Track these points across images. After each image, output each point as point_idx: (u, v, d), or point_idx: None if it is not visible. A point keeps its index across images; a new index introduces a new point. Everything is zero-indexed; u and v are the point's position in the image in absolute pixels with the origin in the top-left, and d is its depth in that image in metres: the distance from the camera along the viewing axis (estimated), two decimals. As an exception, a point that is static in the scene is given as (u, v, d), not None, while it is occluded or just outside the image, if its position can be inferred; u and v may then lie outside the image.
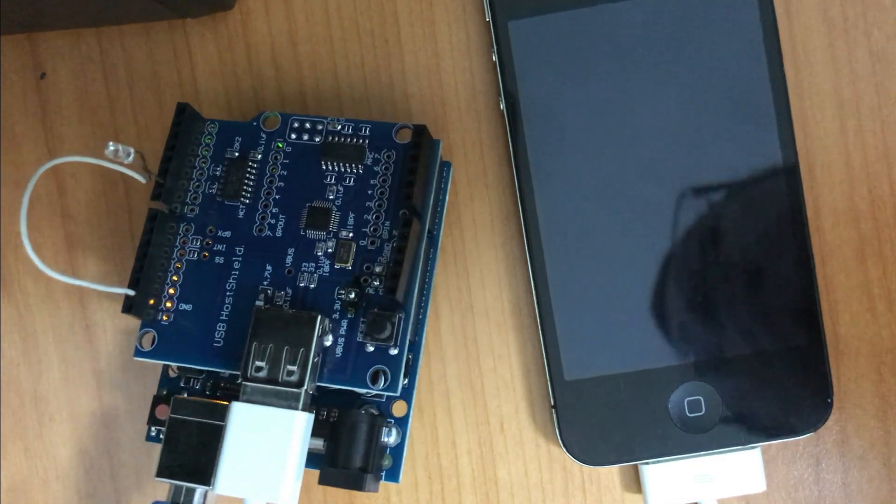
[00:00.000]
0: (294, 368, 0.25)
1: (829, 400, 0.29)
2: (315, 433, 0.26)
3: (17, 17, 0.29)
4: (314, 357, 0.25)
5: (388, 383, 0.26)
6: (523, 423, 0.30)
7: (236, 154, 0.28)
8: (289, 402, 0.25)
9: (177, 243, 0.28)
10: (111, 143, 0.25)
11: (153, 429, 0.28)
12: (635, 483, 0.30)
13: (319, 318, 0.26)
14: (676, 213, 0.29)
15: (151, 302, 0.27)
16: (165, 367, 0.29)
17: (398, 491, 0.30)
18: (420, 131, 0.27)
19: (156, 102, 0.31)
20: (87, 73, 0.31)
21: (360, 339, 0.26)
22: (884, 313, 0.30)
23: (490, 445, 0.30)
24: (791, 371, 0.29)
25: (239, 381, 0.25)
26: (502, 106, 0.29)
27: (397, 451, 0.28)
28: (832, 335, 0.30)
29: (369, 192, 0.28)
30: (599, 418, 0.29)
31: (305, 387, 0.25)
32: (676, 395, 0.29)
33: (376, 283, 0.27)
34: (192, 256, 0.28)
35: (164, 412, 0.27)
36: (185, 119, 0.28)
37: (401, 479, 0.28)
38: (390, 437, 0.28)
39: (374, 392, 0.26)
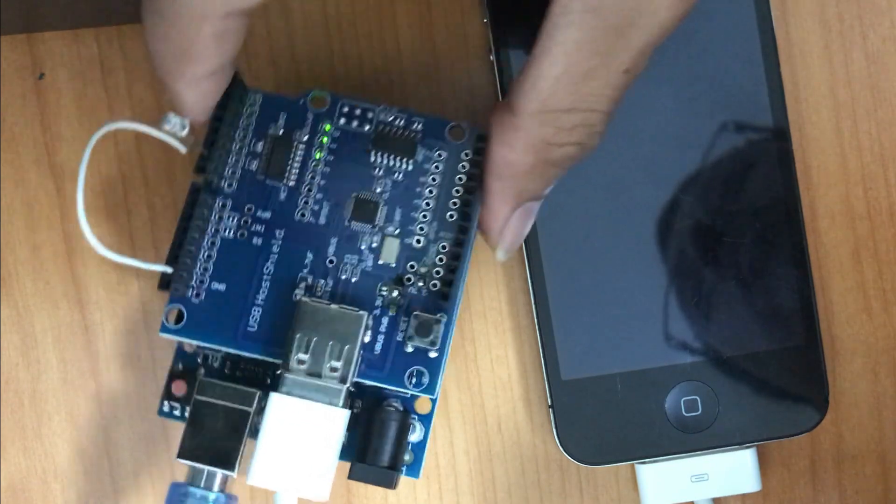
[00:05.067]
0: (338, 364, 0.25)
1: (825, 400, 0.29)
2: None
3: (16, 17, 0.29)
4: (358, 354, 0.25)
5: (426, 386, 0.26)
6: (521, 423, 0.30)
7: (280, 132, 0.27)
8: (330, 397, 0.25)
9: (212, 218, 0.27)
10: (171, 115, 0.25)
11: (167, 404, 0.27)
12: (632, 482, 0.30)
13: (366, 316, 0.25)
14: (673, 213, 0.29)
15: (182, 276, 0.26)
16: (181, 342, 0.28)
17: (396, 490, 0.30)
18: (482, 138, 0.26)
19: (154, 103, 0.31)
20: (85, 74, 0.31)
21: (400, 338, 0.26)
22: (879, 314, 0.30)
23: (487, 445, 0.30)
24: (787, 371, 0.29)
25: (279, 371, 0.25)
26: (500, 107, 0.29)
27: (419, 447, 0.27)
28: (828, 335, 0.30)
29: (418, 189, 0.27)
30: (596, 418, 0.29)
31: (348, 384, 0.25)
32: (673, 394, 0.29)
33: (420, 284, 0.26)
34: (228, 234, 0.27)
35: (179, 388, 0.27)
36: (235, 88, 0.26)
37: (420, 475, 0.27)
38: (413, 434, 0.27)
39: (411, 392, 0.26)
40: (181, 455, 0.25)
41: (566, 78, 0.22)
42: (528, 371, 0.30)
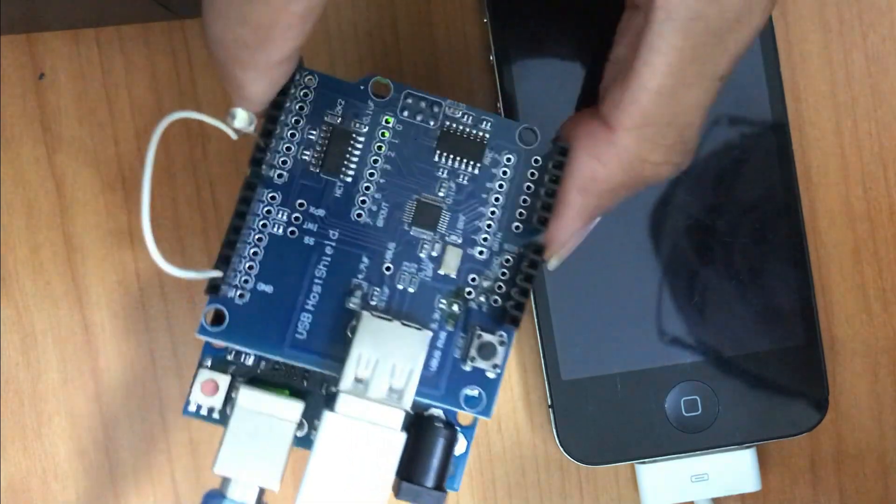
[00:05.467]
0: (398, 386, 0.23)
1: (825, 400, 0.29)
2: None
3: (16, 17, 0.29)
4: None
5: (482, 408, 0.24)
6: (521, 423, 0.30)
7: (339, 120, 0.24)
8: (388, 420, 0.23)
9: (259, 211, 0.24)
10: (239, 110, 0.23)
11: (192, 403, 0.25)
12: (632, 482, 0.30)
13: (431, 335, 0.24)
14: (673, 213, 0.29)
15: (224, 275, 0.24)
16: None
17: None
18: (565, 151, 0.24)
19: (154, 103, 0.31)
20: (85, 74, 0.31)
21: (457, 355, 0.24)
22: (879, 314, 0.30)
23: (487, 445, 0.30)
24: (787, 371, 0.29)
25: (334, 388, 0.23)
26: (499, 107, 0.30)
27: (460, 459, 0.25)
28: (828, 335, 0.30)
29: (484, 196, 0.25)
30: (596, 418, 0.29)
31: (409, 407, 0.23)
32: (673, 394, 0.29)
33: (481, 299, 0.24)
34: (277, 230, 0.24)
35: (210, 388, 0.25)
36: (296, 73, 0.24)
37: (459, 487, 0.26)
38: (456, 447, 0.26)
39: (465, 412, 0.25)
40: (221, 467, 0.23)
41: (667, 89, 0.21)
42: (528, 371, 0.30)
